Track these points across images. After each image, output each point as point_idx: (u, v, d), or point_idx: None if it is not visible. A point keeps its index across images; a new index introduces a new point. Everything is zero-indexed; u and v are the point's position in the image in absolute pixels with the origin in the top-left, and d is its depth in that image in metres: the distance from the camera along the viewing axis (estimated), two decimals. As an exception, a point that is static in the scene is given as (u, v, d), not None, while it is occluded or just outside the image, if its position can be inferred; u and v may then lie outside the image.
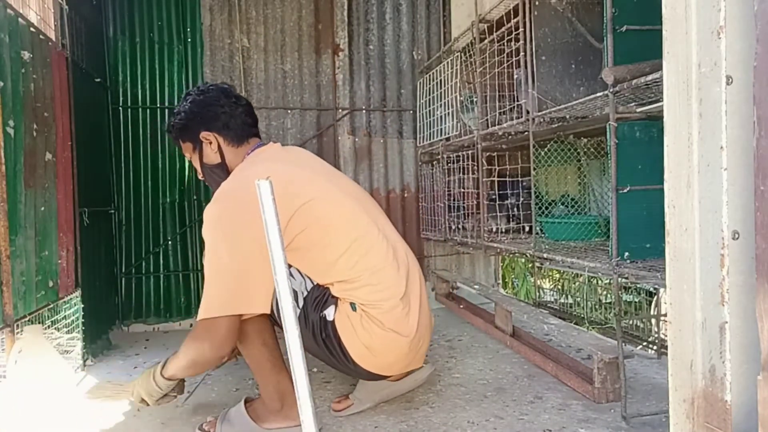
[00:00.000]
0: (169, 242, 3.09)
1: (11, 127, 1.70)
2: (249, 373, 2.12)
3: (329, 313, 1.55)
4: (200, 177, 1.83)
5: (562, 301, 4.05)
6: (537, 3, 2.03)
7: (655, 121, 1.62)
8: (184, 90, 3.10)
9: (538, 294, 3.72)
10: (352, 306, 1.54)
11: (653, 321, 2.61)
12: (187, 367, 1.52)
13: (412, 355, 1.64)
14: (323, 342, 1.56)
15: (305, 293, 1.57)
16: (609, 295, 3.49)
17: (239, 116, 1.72)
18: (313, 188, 1.57)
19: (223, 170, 1.73)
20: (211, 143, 1.71)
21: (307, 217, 1.51)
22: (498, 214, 2.59)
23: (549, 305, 3.76)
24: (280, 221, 1.46)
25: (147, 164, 3.06)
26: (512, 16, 2.21)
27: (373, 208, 1.71)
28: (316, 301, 1.56)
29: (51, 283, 1.97)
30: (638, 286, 3.29)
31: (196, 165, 1.79)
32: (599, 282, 3.56)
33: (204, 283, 1.50)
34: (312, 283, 1.58)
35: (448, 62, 2.79)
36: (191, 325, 2.98)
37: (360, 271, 1.53)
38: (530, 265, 4.76)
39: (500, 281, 3.86)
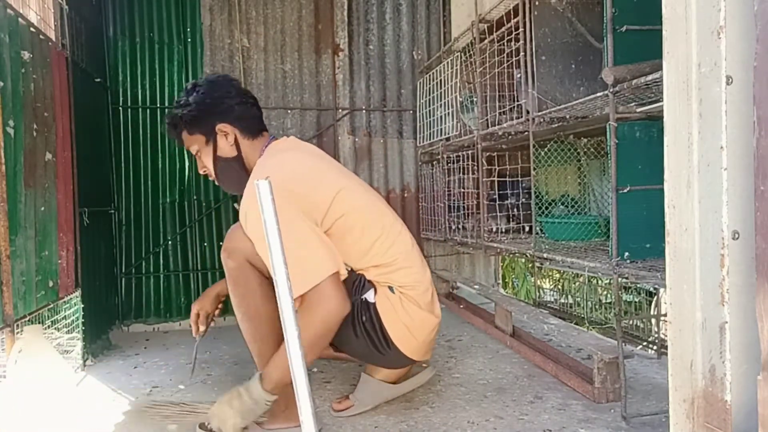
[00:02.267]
0: (169, 242, 3.08)
1: (11, 127, 1.70)
2: (250, 373, 2.12)
3: (370, 295, 1.59)
4: (202, 172, 1.73)
5: (562, 301, 4.05)
6: (537, 3, 2.03)
7: (655, 121, 1.61)
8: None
9: (538, 294, 3.72)
10: (391, 289, 1.59)
11: (653, 321, 2.61)
12: (316, 342, 1.43)
13: (433, 342, 1.71)
14: (363, 325, 1.58)
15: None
16: (609, 295, 3.49)
17: (251, 108, 1.71)
18: (340, 179, 1.62)
19: (240, 164, 1.67)
20: (227, 135, 1.65)
21: (342, 204, 1.55)
22: (498, 214, 2.59)
23: (549, 305, 3.76)
24: (322, 205, 1.52)
25: (147, 164, 3.05)
26: (512, 16, 2.21)
27: (385, 205, 1.76)
28: (354, 285, 1.60)
29: (51, 283, 1.97)
30: (638, 286, 3.29)
31: (206, 160, 1.69)
32: (599, 282, 3.56)
33: (289, 260, 1.45)
34: (347, 269, 1.60)
35: (448, 62, 2.79)
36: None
37: (395, 254, 1.59)
38: (530, 265, 4.76)
39: (500, 281, 3.86)
